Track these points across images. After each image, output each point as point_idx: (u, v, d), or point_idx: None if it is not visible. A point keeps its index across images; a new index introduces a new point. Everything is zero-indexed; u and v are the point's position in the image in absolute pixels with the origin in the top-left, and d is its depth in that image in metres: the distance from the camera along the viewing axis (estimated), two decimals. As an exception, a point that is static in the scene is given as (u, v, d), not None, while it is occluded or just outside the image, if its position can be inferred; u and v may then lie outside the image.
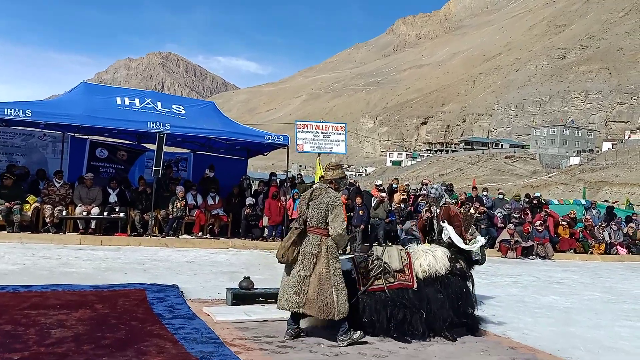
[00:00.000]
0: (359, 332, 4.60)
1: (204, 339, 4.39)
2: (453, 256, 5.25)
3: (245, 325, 5.04)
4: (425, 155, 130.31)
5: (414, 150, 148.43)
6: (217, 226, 12.62)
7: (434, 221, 5.90)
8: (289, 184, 13.80)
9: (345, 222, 4.85)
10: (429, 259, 5.06)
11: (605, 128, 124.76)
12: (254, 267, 8.98)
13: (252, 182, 18.45)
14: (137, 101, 12.14)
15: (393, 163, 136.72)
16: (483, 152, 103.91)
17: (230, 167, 14.59)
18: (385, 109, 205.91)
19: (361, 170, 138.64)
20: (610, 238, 16.09)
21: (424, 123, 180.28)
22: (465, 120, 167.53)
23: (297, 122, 15.34)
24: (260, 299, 6.11)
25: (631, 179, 65.18)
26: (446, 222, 5.59)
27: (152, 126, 11.28)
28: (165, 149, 12.02)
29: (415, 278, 4.96)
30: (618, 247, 16.03)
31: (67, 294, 5.67)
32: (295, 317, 4.72)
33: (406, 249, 5.29)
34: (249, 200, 12.75)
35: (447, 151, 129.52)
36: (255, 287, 6.15)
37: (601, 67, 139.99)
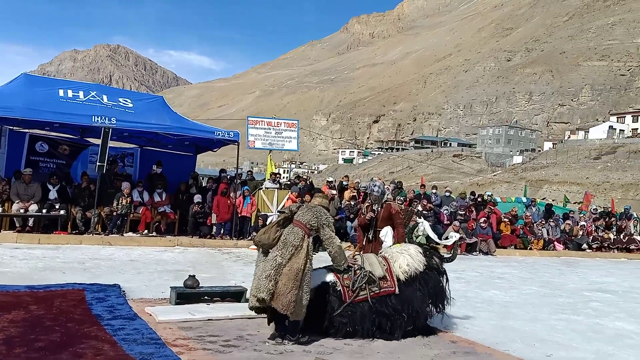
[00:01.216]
0: (307, 337, 4.59)
1: (145, 339, 4.28)
2: (427, 252, 5.31)
3: (188, 324, 4.95)
4: (377, 153, 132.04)
5: (366, 148, 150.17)
6: (164, 224, 12.35)
7: (375, 224, 5.96)
8: (239, 181, 13.66)
9: (337, 238, 4.87)
10: (407, 259, 5.05)
11: (547, 128, 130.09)
12: (200, 266, 8.84)
13: (203, 179, 18.18)
14: (81, 94, 11.67)
15: (345, 160, 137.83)
16: (432, 151, 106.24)
17: (178, 163, 14.28)
18: (339, 107, 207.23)
19: (313, 168, 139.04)
20: (548, 234, 16.81)
21: (375, 121, 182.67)
22: (415, 119, 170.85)
23: (249, 118, 15.22)
24: (206, 297, 6.03)
25: (569, 178, 68.26)
26: (422, 218, 5.69)
27: (97, 120, 10.89)
28: (111, 143, 11.63)
29: (396, 282, 4.93)
30: (555, 243, 16.76)
31: (-1, 295, 5.41)
32: (275, 322, 4.64)
33: (381, 253, 5.30)
34: (197, 198, 12.53)
35: (397, 149, 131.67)
36: (200, 285, 6.05)
37: (545, 70, 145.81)
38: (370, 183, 6.24)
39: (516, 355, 4.67)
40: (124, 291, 6.09)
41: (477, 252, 14.66)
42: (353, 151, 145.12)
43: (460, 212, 15.39)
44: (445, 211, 15.63)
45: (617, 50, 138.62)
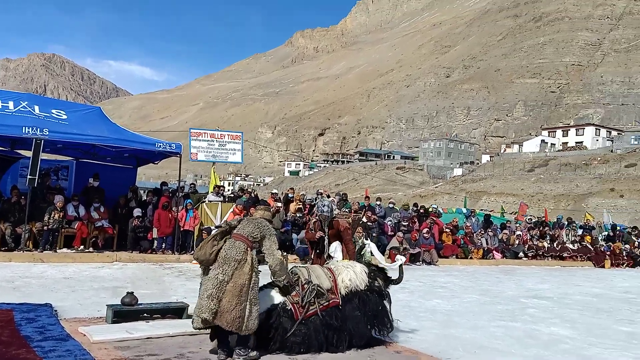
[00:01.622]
0: (255, 352, 4.48)
1: (78, 361, 4.05)
2: (371, 273, 5.26)
3: (126, 344, 4.73)
4: (322, 165, 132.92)
5: (312, 161, 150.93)
6: (102, 239, 11.85)
7: (325, 240, 5.95)
8: (181, 194, 13.33)
9: (279, 252, 4.74)
10: (350, 274, 5.01)
11: (484, 142, 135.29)
12: (140, 282, 8.53)
13: (143, 192, 17.61)
14: (10, 104, 11.09)
15: (291, 173, 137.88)
16: (376, 163, 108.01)
17: (117, 176, 13.78)
18: (284, 120, 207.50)
19: (259, 180, 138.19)
20: (487, 244, 17.39)
21: (321, 134, 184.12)
22: (360, 132, 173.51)
23: (191, 130, 14.95)
24: (145, 315, 5.79)
25: (506, 189, 71.16)
26: (369, 239, 5.69)
27: (28, 131, 10.35)
28: (44, 156, 11.12)
29: (339, 294, 4.88)
30: (494, 252, 17.35)
31: None
32: (218, 338, 4.47)
33: (327, 264, 5.25)
34: (137, 211, 12.12)
35: (342, 162, 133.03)
36: (139, 302, 5.82)
37: (481, 86, 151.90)
38: (320, 203, 6.15)
39: (458, 363, 4.75)
40: (56, 311, 5.77)
41: (421, 262, 14.94)
42: (299, 163, 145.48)
43: (403, 223, 15.66)
44: (389, 222, 15.86)
45: (548, 68, 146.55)
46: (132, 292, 5.82)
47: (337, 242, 5.96)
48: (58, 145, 12.28)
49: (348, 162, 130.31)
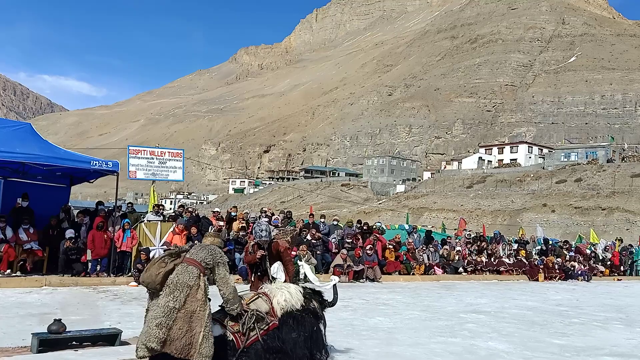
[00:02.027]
0: None
1: (-3, 397, 3.77)
2: (307, 295, 5.17)
3: (51, 376, 4.45)
4: (268, 182, 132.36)
5: (257, 178, 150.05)
6: (30, 262, 11.19)
7: (266, 260, 5.84)
8: (118, 213, 12.83)
9: (232, 280, 4.57)
10: (285, 294, 4.92)
11: (425, 159, 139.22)
12: (71, 307, 8.08)
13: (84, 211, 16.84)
14: None
15: (236, 190, 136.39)
16: (322, 180, 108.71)
17: (49, 196, 13.08)
18: (228, 137, 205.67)
19: (202, 198, 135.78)
20: (429, 259, 17.73)
21: (266, 151, 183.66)
22: (305, 150, 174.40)
23: (130, 148, 14.51)
24: (74, 343, 5.48)
25: (446, 205, 73.33)
26: (303, 260, 5.57)
27: (-50, 148, 9.70)
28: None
29: (277, 316, 4.76)
30: (435, 267, 17.71)
31: None
32: None
33: (261, 289, 5.11)
34: (70, 233, 11.54)
35: (288, 179, 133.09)
36: (68, 330, 5.50)
37: (422, 105, 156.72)
38: (257, 228, 5.97)
39: (398, 381, 4.75)
40: (-25, 342, 5.36)
41: (364, 280, 15.03)
42: (244, 181, 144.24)
43: (347, 240, 15.74)
44: (333, 240, 15.90)
45: (483, 88, 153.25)
46: (60, 319, 5.50)
47: (279, 262, 5.86)
48: (-16, 163, 11.56)
49: (293, 179, 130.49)
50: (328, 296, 5.43)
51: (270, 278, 5.77)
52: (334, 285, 5.47)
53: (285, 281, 5.57)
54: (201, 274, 4.29)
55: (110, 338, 5.62)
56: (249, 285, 5.98)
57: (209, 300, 4.33)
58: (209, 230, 13.58)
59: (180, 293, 4.16)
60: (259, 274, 5.95)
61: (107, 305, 8.55)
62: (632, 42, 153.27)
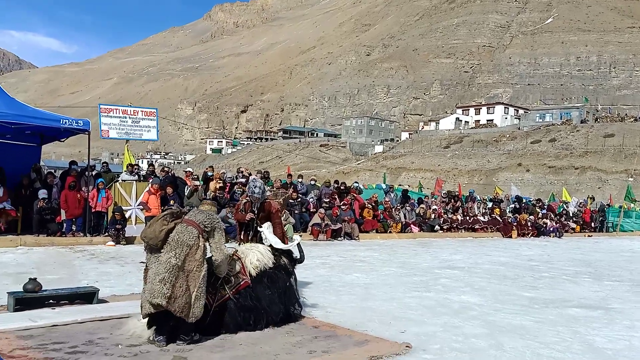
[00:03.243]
0: (198, 335, 4.39)
1: (-26, 354, 3.75)
2: (276, 253, 5.25)
3: (29, 332, 4.44)
4: (246, 143, 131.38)
5: (235, 138, 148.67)
6: (4, 222, 11.02)
7: (254, 222, 5.81)
8: (90, 173, 12.61)
9: (225, 246, 4.60)
10: (257, 254, 5.01)
11: (403, 120, 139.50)
12: (47, 267, 8.02)
13: (55, 171, 16.53)
14: None
15: (213, 151, 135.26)
16: (300, 141, 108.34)
17: (18, 155, 12.70)
18: (205, 96, 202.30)
19: (180, 158, 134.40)
20: (405, 218, 18.00)
21: (243, 111, 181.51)
22: (283, 110, 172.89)
23: (101, 106, 14.14)
24: (51, 301, 5.45)
25: (424, 165, 74.05)
26: (265, 226, 5.55)
27: None
28: None
29: (249, 276, 4.84)
30: (412, 225, 18.01)
31: None
32: (156, 325, 4.28)
33: (233, 250, 5.15)
34: (42, 193, 11.33)
35: (266, 139, 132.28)
36: (44, 289, 5.46)
37: (400, 65, 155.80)
38: (250, 184, 5.92)
39: (373, 334, 4.87)
40: (-50, 301, 5.30)
41: (342, 237, 15.21)
42: (221, 141, 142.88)
43: (324, 200, 15.83)
44: (310, 199, 15.97)
45: (461, 49, 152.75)
46: (35, 278, 5.46)
47: (269, 222, 5.81)
48: (-51, 122, 11.16)
49: (272, 139, 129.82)
50: (296, 255, 5.50)
51: (257, 238, 5.76)
52: (298, 244, 5.52)
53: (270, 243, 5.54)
54: (200, 235, 4.38)
55: (87, 296, 5.60)
56: (238, 243, 5.97)
57: (206, 261, 4.39)
58: (185, 190, 13.53)
59: (181, 251, 4.26)
60: (248, 233, 5.95)
61: (84, 265, 8.50)
62: (607, 4, 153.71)
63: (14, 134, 12.39)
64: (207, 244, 4.46)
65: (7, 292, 5.36)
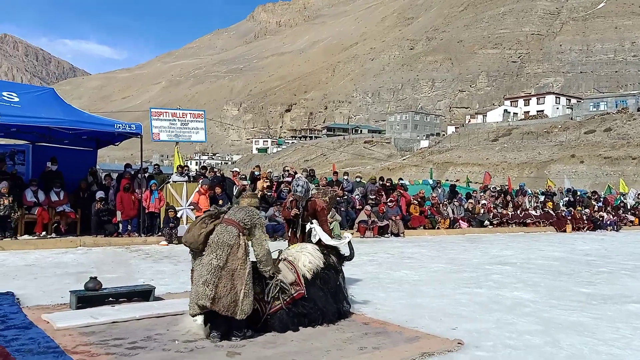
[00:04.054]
0: (251, 331, 4.48)
1: (42, 349, 3.96)
2: (325, 251, 5.25)
3: (91, 329, 4.63)
4: (290, 141, 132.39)
5: (279, 137, 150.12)
6: (64, 224, 11.55)
7: (301, 219, 5.86)
8: (143, 175, 13.05)
9: (267, 242, 4.70)
10: (308, 256, 4.99)
11: (449, 113, 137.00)
12: (105, 266, 8.37)
13: (111, 174, 17.21)
14: (-41, 87, 10.57)
15: (259, 150, 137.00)
16: (344, 138, 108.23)
17: (76, 159, 13.35)
18: (249, 96, 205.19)
19: (227, 158, 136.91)
20: (453, 213, 17.70)
21: (287, 110, 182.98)
22: (327, 107, 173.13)
23: (152, 110, 14.62)
24: (111, 299, 5.69)
25: (471, 159, 72.49)
26: (315, 222, 5.56)
27: (-22, 115, 9.90)
28: (-1, 140, 10.65)
29: (303, 282, 4.84)
30: (460, 221, 17.70)
31: None
32: (211, 322, 4.41)
33: (282, 256, 5.10)
34: (100, 194, 11.83)
35: (310, 137, 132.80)
36: (104, 287, 5.71)
37: (445, 58, 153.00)
38: (294, 182, 6.01)
39: (424, 331, 4.84)
40: (18, 299, 5.62)
41: (389, 235, 15.13)
42: (267, 140, 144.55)
43: (370, 197, 15.78)
44: (356, 196, 15.96)
45: (508, 38, 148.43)
46: (96, 277, 5.70)
47: (315, 220, 5.83)
48: (12, 129, 11.82)
49: (316, 137, 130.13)
50: (345, 252, 5.50)
51: (306, 237, 5.81)
52: (349, 242, 5.50)
53: (319, 240, 5.55)
54: (240, 234, 4.42)
55: (144, 294, 5.81)
56: (287, 240, 6.05)
57: (249, 257, 4.45)
58: (233, 190, 13.79)
59: (222, 252, 4.31)
60: (294, 230, 6.02)
61: (140, 264, 8.82)
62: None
63: (71, 140, 13.00)
64: (246, 241, 4.48)
65: (70, 291, 5.62)
